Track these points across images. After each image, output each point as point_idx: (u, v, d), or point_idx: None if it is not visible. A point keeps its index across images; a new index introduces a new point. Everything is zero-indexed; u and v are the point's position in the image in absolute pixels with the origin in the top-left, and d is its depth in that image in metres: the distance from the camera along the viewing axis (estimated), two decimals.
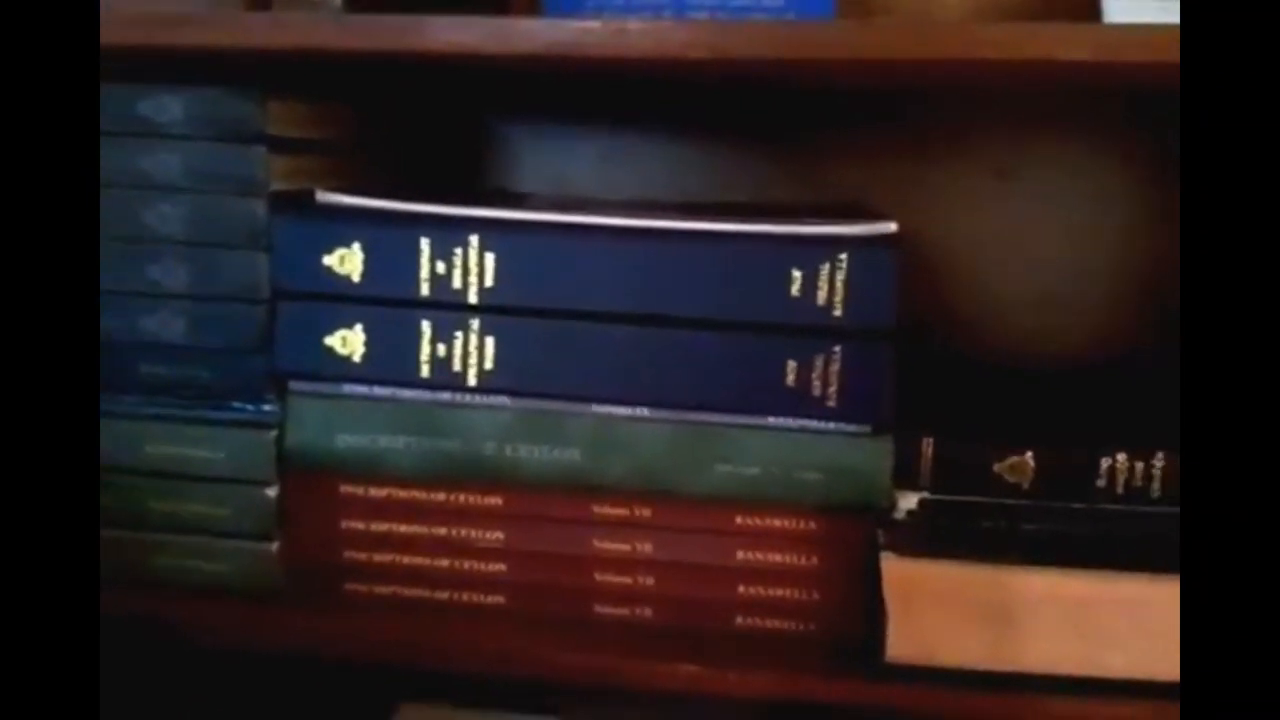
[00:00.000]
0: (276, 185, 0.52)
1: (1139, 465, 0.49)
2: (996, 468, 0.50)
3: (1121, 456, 0.49)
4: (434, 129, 0.71)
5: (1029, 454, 0.50)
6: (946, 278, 0.67)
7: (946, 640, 0.48)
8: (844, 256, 0.48)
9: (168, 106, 0.51)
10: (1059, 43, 0.45)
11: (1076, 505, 0.50)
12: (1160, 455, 0.49)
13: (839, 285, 0.49)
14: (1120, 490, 0.50)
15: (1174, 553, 0.48)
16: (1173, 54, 0.41)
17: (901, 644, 0.48)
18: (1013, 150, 0.67)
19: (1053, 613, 0.47)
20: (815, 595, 0.52)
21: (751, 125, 0.68)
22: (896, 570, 0.48)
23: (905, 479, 0.50)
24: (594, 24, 0.46)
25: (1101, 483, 0.50)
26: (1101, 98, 0.65)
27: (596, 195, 0.70)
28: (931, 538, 0.49)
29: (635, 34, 0.45)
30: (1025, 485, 0.50)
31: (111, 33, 0.48)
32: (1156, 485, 0.49)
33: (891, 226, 0.50)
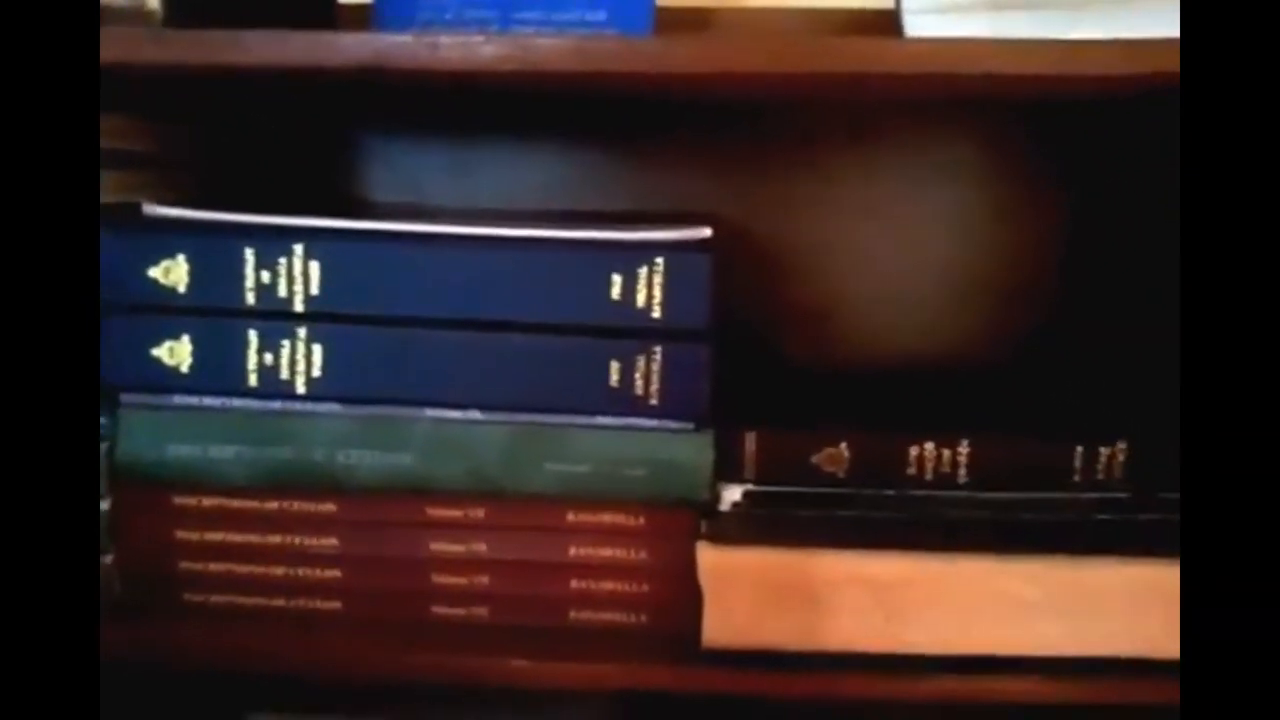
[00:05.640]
0: (107, 199, 0.52)
1: (945, 453, 0.52)
2: (815, 458, 0.52)
3: (929, 445, 0.52)
4: (292, 141, 0.71)
5: (843, 444, 0.52)
6: (786, 282, 0.70)
7: (759, 624, 0.50)
8: (660, 260, 0.50)
9: None
10: (864, 58, 0.46)
11: (887, 491, 0.52)
12: (965, 442, 0.52)
13: (656, 288, 0.50)
14: (929, 476, 0.52)
15: (977, 533, 0.52)
16: (980, 65, 0.45)
17: (717, 629, 0.50)
18: (848, 158, 0.69)
19: (857, 593, 0.50)
20: (645, 587, 0.53)
21: (603, 134, 0.70)
22: (711, 558, 0.50)
23: (731, 472, 0.52)
24: (405, 38, 0.47)
25: (911, 470, 0.52)
26: (930, 108, 0.68)
27: (449, 204, 0.71)
28: (749, 527, 0.51)
29: (446, 47, 0.46)
30: (841, 474, 0.52)
31: None
32: (963, 471, 0.52)
33: (705, 231, 0.52)
